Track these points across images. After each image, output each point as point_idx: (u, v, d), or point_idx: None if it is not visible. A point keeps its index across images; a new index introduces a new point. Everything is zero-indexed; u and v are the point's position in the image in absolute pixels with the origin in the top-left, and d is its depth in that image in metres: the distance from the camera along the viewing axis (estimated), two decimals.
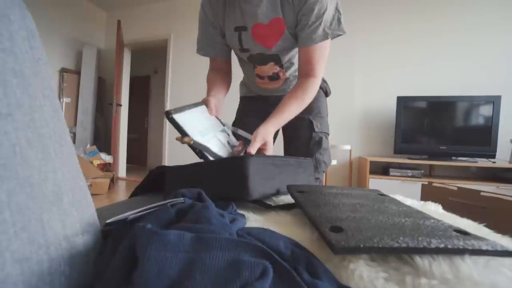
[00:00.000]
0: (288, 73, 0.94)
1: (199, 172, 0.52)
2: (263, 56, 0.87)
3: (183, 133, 0.59)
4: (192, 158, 0.58)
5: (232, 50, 0.93)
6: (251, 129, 0.72)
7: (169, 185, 0.57)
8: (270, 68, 0.91)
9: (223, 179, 0.48)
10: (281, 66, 0.90)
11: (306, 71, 0.81)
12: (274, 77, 0.95)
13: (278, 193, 0.54)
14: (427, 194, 1.43)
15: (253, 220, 0.40)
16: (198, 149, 0.59)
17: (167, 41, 3.63)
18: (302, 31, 0.76)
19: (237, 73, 1.05)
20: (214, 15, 0.83)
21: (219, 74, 0.93)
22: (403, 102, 2.43)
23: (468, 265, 0.24)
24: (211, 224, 0.28)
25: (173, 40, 3.60)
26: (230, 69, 0.98)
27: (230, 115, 1.07)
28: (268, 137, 0.72)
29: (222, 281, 0.19)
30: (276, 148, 0.81)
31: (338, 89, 2.03)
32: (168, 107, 3.56)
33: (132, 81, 4.17)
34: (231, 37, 0.84)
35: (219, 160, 0.50)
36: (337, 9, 0.75)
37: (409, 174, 2.28)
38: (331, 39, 0.77)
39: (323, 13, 0.72)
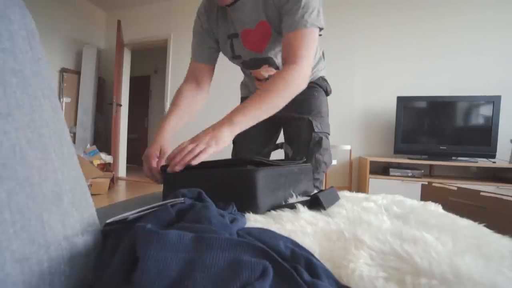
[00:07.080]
0: None
1: (205, 181, 0.49)
2: (256, 60, 0.87)
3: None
4: None
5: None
6: (253, 129, 0.69)
7: (168, 188, 0.55)
8: (265, 71, 0.91)
9: (230, 192, 0.46)
10: (277, 68, 0.90)
11: (286, 59, 0.73)
12: None
13: (285, 202, 0.52)
14: (427, 194, 1.43)
15: (253, 220, 0.40)
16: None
17: (167, 41, 3.63)
18: (283, 21, 0.73)
19: (238, 74, 1.05)
20: (209, 24, 0.86)
21: (191, 90, 0.89)
22: (403, 102, 2.43)
23: (468, 265, 0.24)
24: (211, 224, 0.28)
25: (173, 40, 3.60)
26: (209, 80, 0.93)
27: None
28: (211, 142, 0.56)
29: (222, 281, 0.19)
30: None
31: (338, 89, 2.02)
32: (168, 107, 3.56)
33: (132, 81, 4.17)
34: (224, 45, 0.87)
35: (226, 170, 0.48)
36: (318, 3, 0.71)
37: (409, 174, 2.28)
38: (311, 27, 0.70)
39: (301, 0, 0.68)
